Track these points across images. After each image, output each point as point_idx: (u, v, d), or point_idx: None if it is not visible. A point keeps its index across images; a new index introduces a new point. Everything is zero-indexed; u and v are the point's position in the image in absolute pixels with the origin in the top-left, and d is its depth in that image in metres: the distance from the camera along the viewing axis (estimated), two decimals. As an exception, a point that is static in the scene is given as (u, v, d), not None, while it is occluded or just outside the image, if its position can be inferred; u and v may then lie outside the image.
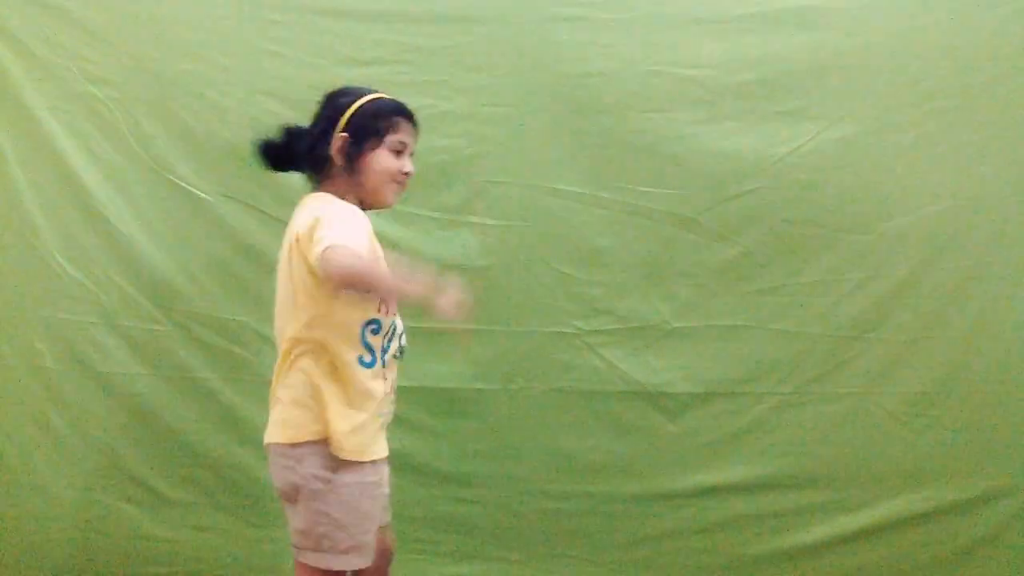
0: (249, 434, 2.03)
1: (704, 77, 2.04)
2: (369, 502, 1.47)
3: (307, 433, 1.43)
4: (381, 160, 1.52)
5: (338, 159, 1.51)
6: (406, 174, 1.55)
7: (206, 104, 2.01)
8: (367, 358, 1.46)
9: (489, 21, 2.03)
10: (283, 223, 1.98)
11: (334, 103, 1.55)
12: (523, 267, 2.04)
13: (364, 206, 1.53)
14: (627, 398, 2.06)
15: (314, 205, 1.48)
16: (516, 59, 2.02)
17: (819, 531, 2.08)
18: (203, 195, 2.01)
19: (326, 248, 1.33)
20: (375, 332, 1.48)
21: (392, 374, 1.54)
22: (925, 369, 2.07)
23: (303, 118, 1.97)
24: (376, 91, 1.57)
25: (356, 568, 1.48)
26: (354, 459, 1.43)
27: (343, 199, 1.50)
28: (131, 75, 2.00)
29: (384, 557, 1.62)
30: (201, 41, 2.00)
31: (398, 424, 1.96)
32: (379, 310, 1.47)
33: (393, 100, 1.57)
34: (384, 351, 1.50)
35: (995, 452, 2.07)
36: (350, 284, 1.37)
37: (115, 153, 2.00)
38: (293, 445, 1.44)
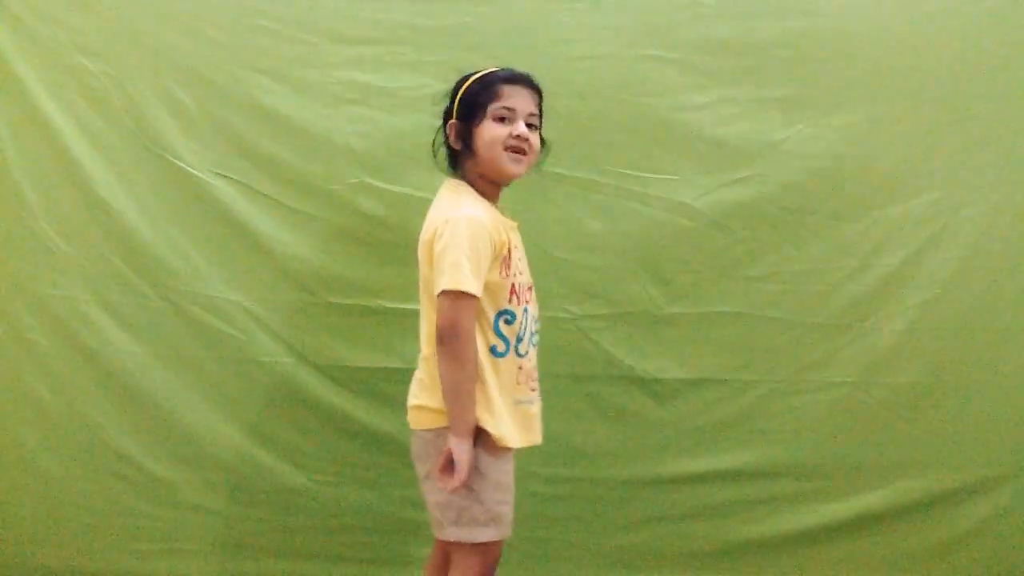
0: (237, 413, 2.04)
1: (700, 62, 2.03)
2: (504, 476, 1.53)
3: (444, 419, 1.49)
4: (486, 132, 1.55)
5: (457, 145, 1.58)
6: (517, 137, 1.55)
7: (199, 80, 1.99)
8: (500, 347, 1.51)
9: (486, 2, 2.01)
10: (275, 201, 2.02)
11: (452, 93, 1.62)
12: (516, 250, 2.04)
13: (492, 182, 1.59)
14: (618, 383, 2.06)
15: (444, 202, 1.55)
16: (512, 40, 2.01)
17: (809, 519, 2.08)
18: (195, 172, 2.00)
19: (442, 292, 1.44)
20: (508, 323, 1.52)
21: (529, 362, 1.57)
22: (917, 359, 2.06)
23: (296, 96, 2.00)
24: (489, 68, 1.61)
25: (494, 539, 1.53)
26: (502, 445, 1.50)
27: (474, 184, 1.57)
28: (124, 48, 1.98)
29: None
30: (195, 16, 1.98)
31: (390, 406, 1.98)
32: (510, 301, 1.52)
33: (497, 69, 1.60)
34: (519, 340, 1.54)
35: (986, 442, 2.07)
36: (447, 334, 1.44)
37: (107, 127, 1.99)
38: (435, 431, 1.51)
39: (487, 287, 1.49)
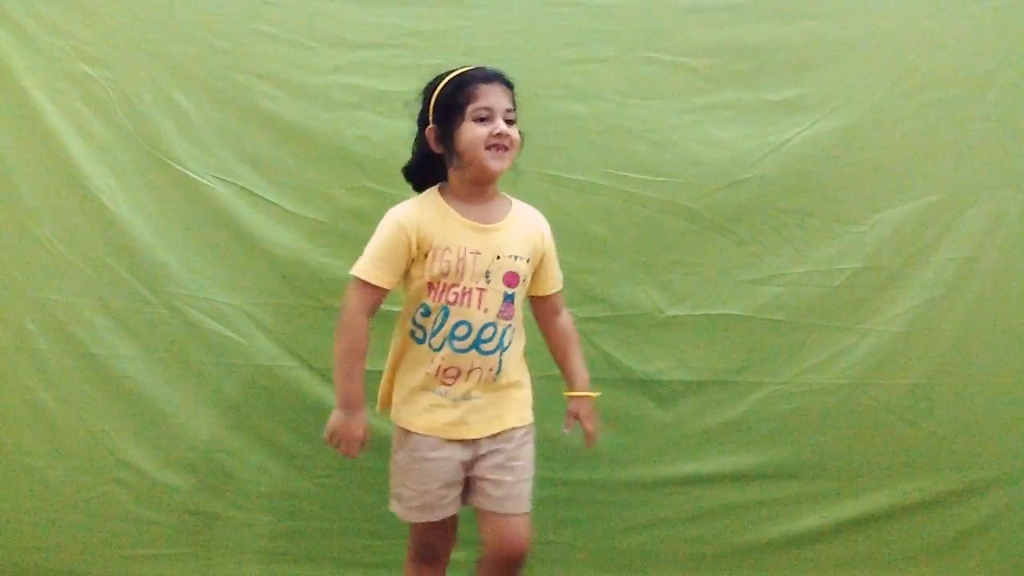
0: (238, 417, 2.04)
1: (701, 65, 2.03)
2: (409, 460, 1.64)
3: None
4: (467, 133, 1.56)
5: (438, 149, 1.59)
6: (498, 135, 1.55)
7: (199, 85, 1.99)
8: (418, 334, 1.62)
9: (486, 5, 2.02)
10: (276, 206, 2.02)
11: (423, 99, 1.63)
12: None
13: (477, 183, 1.60)
14: (620, 386, 2.06)
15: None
16: (513, 44, 2.01)
17: (810, 521, 2.08)
18: (197, 177, 2.00)
19: (351, 275, 1.61)
20: (424, 314, 1.60)
21: (450, 359, 1.61)
22: (918, 361, 2.07)
23: (297, 101, 2.00)
24: (459, 68, 1.61)
25: (402, 516, 1.68)
26: (402, 426, 1.65)
27: (455, 190, 1.62)
28: (125, 54, 1.98)
29: (503, 551, 1.66)
30: (195, 22, 1.98)
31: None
32: (428, 295, 1.59)
33: (469, 69, 1.60)
34: (433, 334, 1.60)
35: (987, 444, 2.07)
36: (339, 318, 1.62)
37: (108, 133, 1.99)
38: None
39: (411, 279, 1.60)
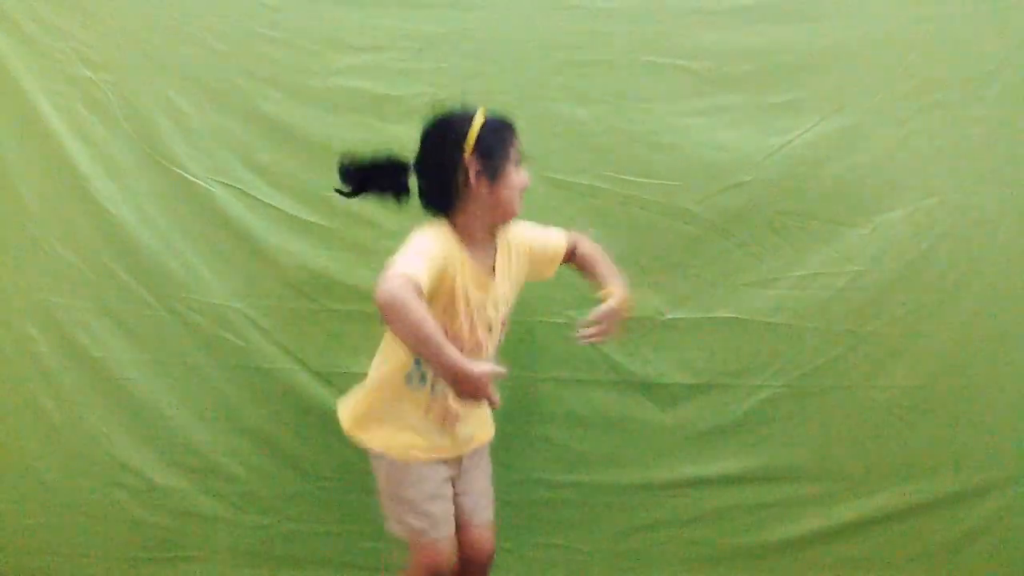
0: (238, 420, 2.04)
1: (700, 68, 2.03)
2: (402, 490, 1.62)
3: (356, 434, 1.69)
4: (513, 176, 1.56)
5: (476, 187, 1.54)
6: (525, 185, 1.60)
7: (200, 88, 1.99)
8: (416, 379, 1.58)
9: (486, 8, 2.02)
10: (277, 209, 2.02)
11: (450, 132, 1.55)
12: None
13: (493, 224, 1.60)
14: (619, 388, 2.06)
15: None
16: (513, 47, 2.01)
17: (811, 523, 2.08)
18: (197, 180, 2.00)
19: (387, 267, 1.41)
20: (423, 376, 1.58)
21: (441, 406, 1.61)
22: (919, 363, 2.06)
23: (298, 104, 2.00)
24: (473, 107, 1.58)
25: (404, 537, 1.65)
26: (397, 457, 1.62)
27: (468, 225, 1.56)
28: (125, 58, 1.98)
29: (476, 555, 1.71)
30: (196, 25, 1.99)
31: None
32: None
33: (497, 114, 1.58)
34: (437, 382, 1.57)
35: (987, 446, 2.07)
36: (385, 311, 1.36)
37: (109, 137, 1.99)
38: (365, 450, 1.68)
39: None
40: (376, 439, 1.63)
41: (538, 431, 2.08)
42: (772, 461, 2.08)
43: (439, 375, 1.42)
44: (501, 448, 2.04)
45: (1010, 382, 2.06)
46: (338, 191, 1.62)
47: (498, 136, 1.56)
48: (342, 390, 2.02)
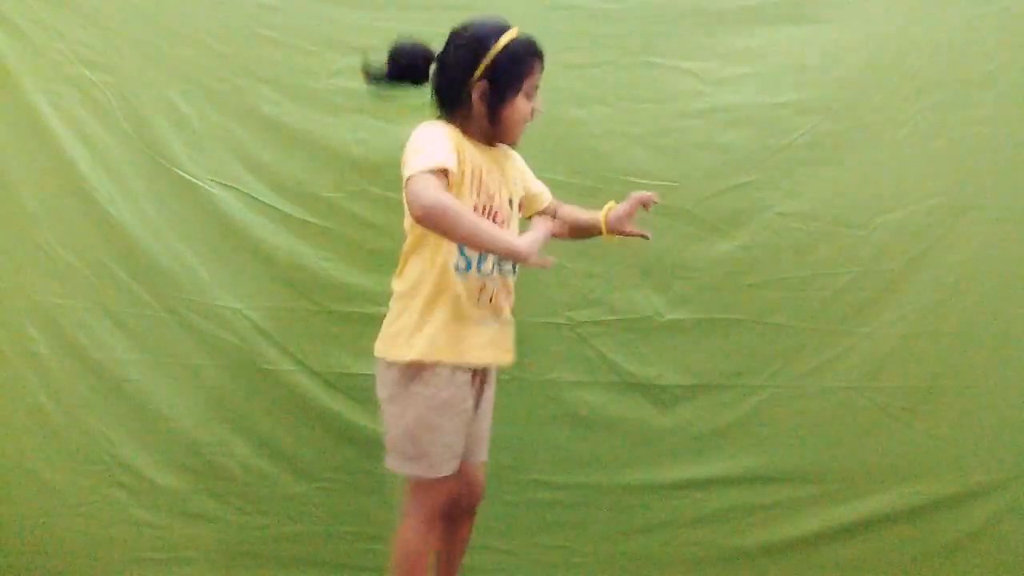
0: (238, 421, 2.04)
1: (701, 69, 2.03)
2: (437, 416, 1.54)
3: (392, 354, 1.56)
4: (519, 105, 1.56)
5: (478, 107, 1.54)
6: (533, 113, 1.59)
7: (200, 89, 2.00)
8: (461, 264, 1.54)
9: (484, 9, 2.00)
10: (276, 209, 2.02)
11: (473, 43, 1.54)
12: (516, 257, 2.04)
13: (493, 141, 1.61)
14: (620, 389, 2.06)
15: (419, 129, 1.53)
16: (512, 48, 2.01)
17: (809, 524, 2.08)
18: (197, 181, 2.00)
19: (409, 178, 1.41)
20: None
21: (493, 284, 1.58)
22: (917, 364, 2.07)
23: (297, 105, 2.00)
24: (507, 26, 1.56)
25: (422, 475, 1.57)
26: (419, 359, 1.52)
27: (474, 132, 1.57)
28: (125, 59, 1.98)
29: (471, 494, 1.70)
30: (196, 26, 1.99)
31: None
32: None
33: (526, 39, 1.57)
34: (482, 259, 1.56)
35: (986, 447, 2.07)
36: (430, 220, 1.39)
37: (109, 138, 1.99)
38: (386, 362, 1.57)
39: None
40: (420, 346, 1.53)
41: (538, 432, 2.08)
42: (771, 462, 2.08)
43: (510, 255, 1.45)
44: (500, 449, 2.05)
45: (1010, 382, 2.06)
46: (365, 74, 1.61)
47: (516, 63, 1.54)
48: (342, 390, 2.04)
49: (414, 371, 1.54)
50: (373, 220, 2.01)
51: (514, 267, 1.64)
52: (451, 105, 1.58)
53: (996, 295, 2.06)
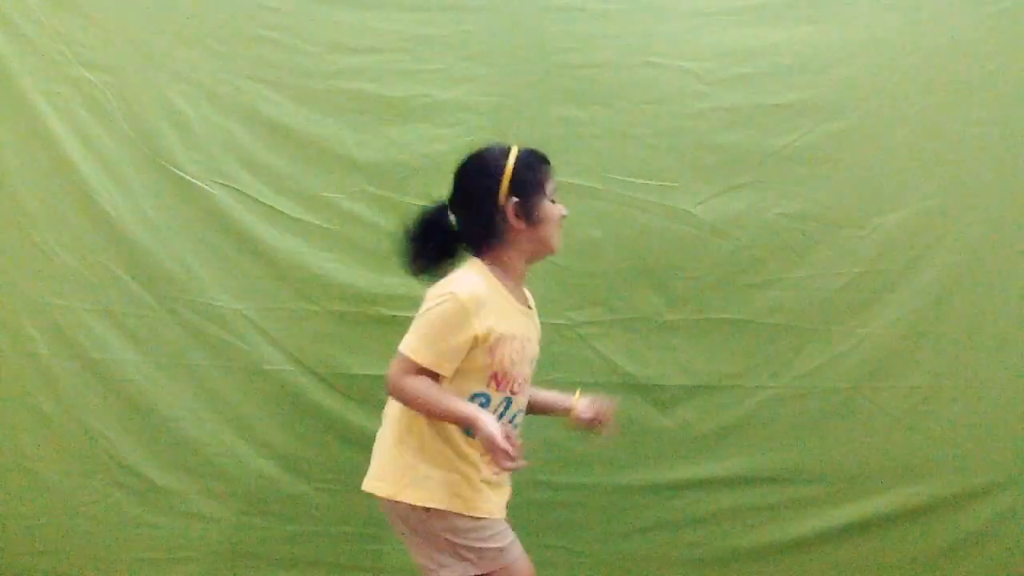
0: (238, 421, 2.04)
1: (700, 69, 2.03)
2: (482, 533, 1.55)
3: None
4: (550, 210, 1.54)
5: (517, 224, 1.51)
6: (563, 216, 1.58)
7: (200, 90, 2.00)
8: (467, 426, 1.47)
9: (486, 11, 2.02)
10: (275, 210, 2.02)
11: (487, 169, 1.53)
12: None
13: (532, 259, 1.58)
14: (619, 390, 2.05)
15: (455, 275, 1.51)
16: (513, 49, 2.02)
17: (810, 524, 2.08)
18: (196, 182, 2.01)
19: (400, 352, 1.45)
20: (482, 405, 1.49)
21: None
22: (918, 364, 2.07)
23: (298, 106, 2.01)
24: (506, 144, 1.55)
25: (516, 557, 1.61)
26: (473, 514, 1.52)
27: (510, 263, 1.54)
28: (125, 60, 1.99)
29: None
30: (196, 27, 1.99)
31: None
32: (488, 385, 1.50)
33: (531, 149, 1.56)
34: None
35: (987, 447, 2.07)
36: (398, 399, 1.48)
37: (108, 138, 1.99)
38: (386, 501, 1.53)
39: (467, 367, 1.47)
40: (436, 496, 1.50)
41: (538, 433, 2.07)
42: (772, 462, 2.08)
43: (466, 425, 1.46)
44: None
45: (1011, 383, 2.06)
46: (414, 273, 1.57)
47: (533, 171, 1.54)
48: (342, 391, 2.03)
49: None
50: (373, 220, 2.01)
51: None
52: (489, 237, 1.53)
53: (994, 295, 2.06)
